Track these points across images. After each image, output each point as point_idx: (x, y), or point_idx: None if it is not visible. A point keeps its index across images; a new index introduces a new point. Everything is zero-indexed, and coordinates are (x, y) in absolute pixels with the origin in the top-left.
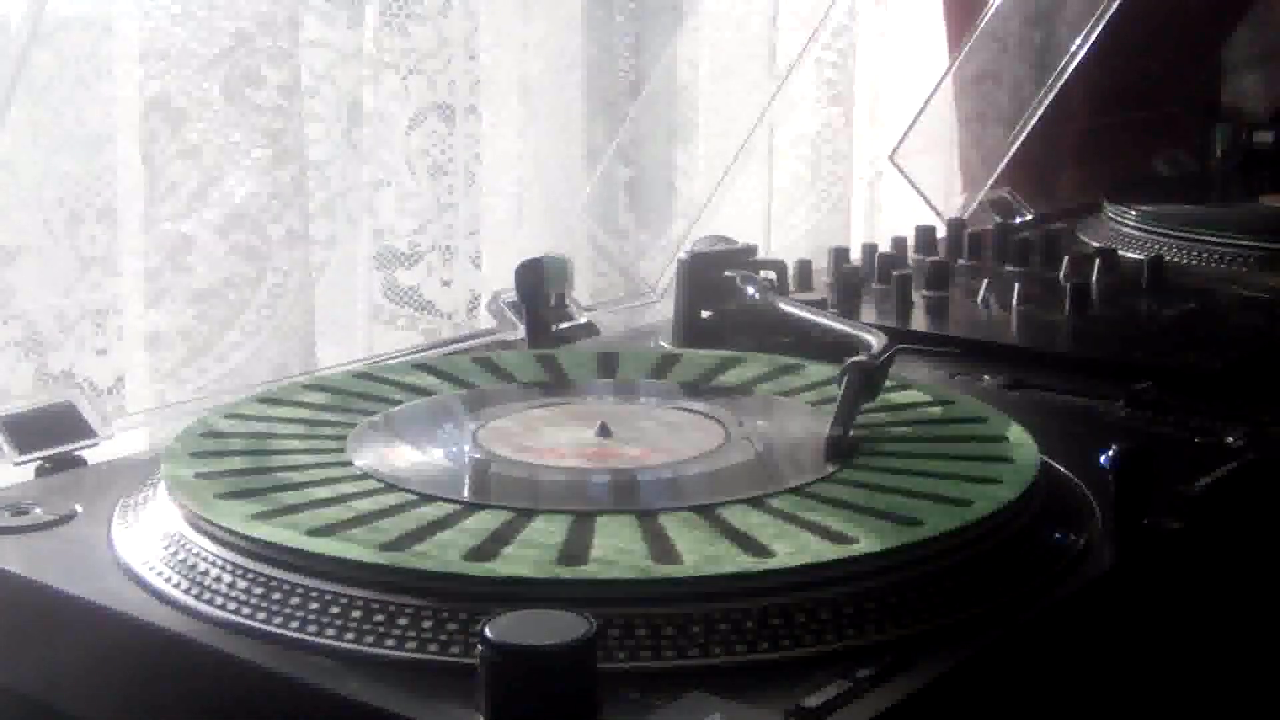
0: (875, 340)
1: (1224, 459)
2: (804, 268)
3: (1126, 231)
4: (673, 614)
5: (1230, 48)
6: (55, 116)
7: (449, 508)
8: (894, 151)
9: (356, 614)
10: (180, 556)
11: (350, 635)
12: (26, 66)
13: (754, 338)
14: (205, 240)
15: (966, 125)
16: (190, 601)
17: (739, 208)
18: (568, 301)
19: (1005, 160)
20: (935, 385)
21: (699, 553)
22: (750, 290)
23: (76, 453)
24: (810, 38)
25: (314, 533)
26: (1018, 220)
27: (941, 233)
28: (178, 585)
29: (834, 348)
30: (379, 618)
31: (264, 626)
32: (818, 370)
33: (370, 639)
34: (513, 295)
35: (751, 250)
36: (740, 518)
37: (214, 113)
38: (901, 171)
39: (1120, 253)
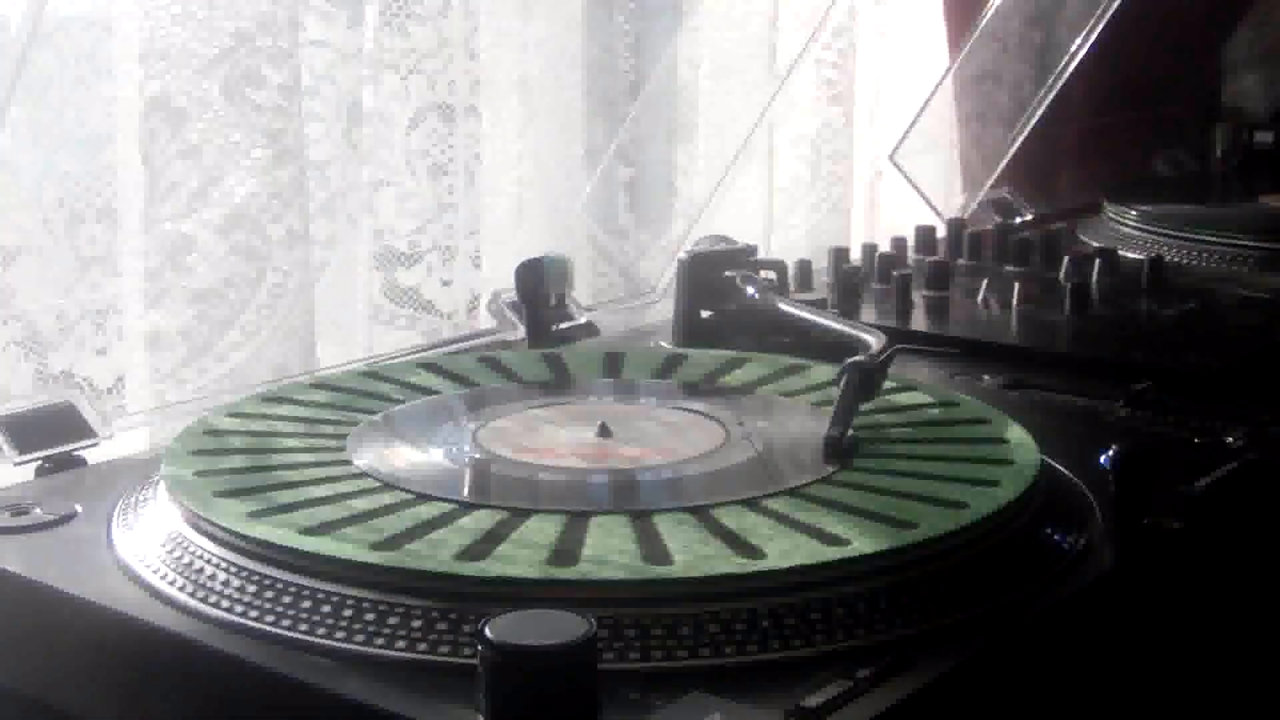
0: (875, 340)
1: (1224, 459)
2: (804, 268)
3: (1126, 231)
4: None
5: (1230, 48)
6: (55, 116)
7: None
8: (894, 151)
9: (356, 614)
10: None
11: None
12: (26, 66)
13: (754, 338)
14: (205, 240)
15: (966, 125)
16: (190, 601)
17: (739, 208)
18: (568, 301)
19: (1005, 160)
20: (935, 385)
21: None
22: (750, 290)
23: (76, 453)
24: (810, 38)
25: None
26: (1018, 220)
27: (941, 233)
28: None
29: (834, 348)
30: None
31: (264, 626)
32: (775, 360)
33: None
34: (513, 295)
35: (751, 250)
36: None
37: (214, 113)
38: (901, 171)
39: (1120, 253)
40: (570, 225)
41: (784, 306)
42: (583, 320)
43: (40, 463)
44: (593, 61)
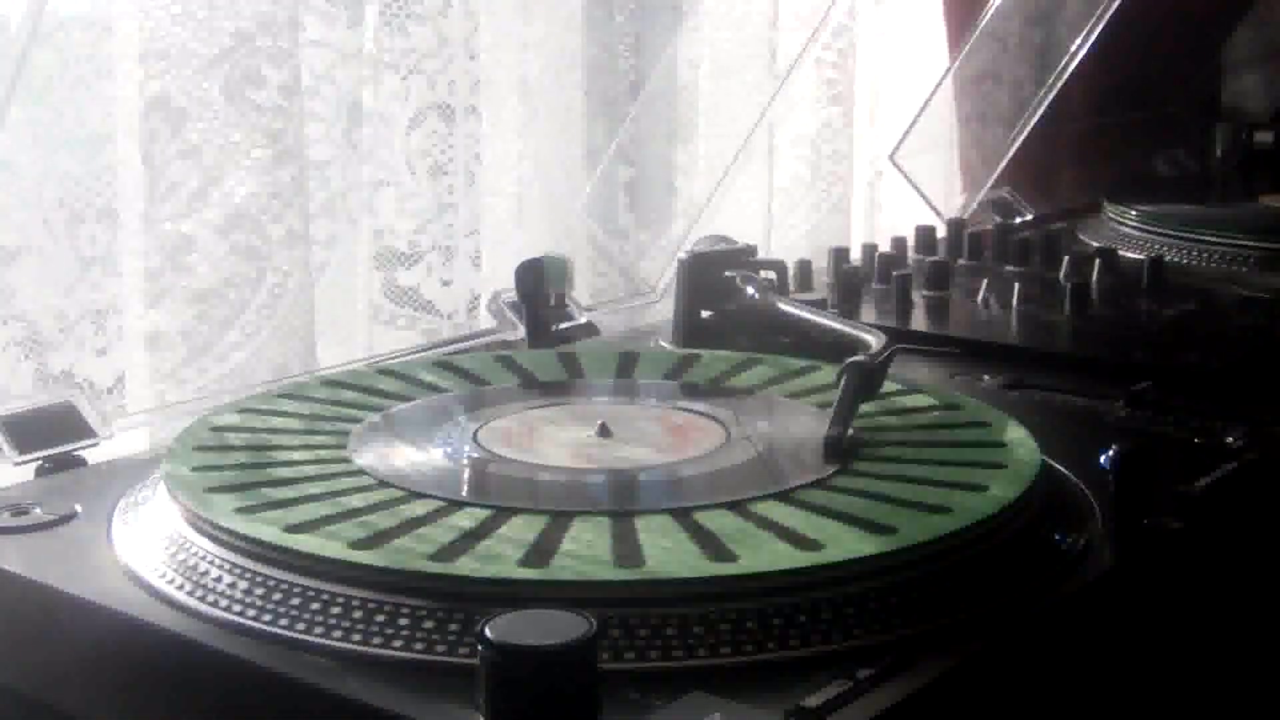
0: (875, 340)
1: (1224, 459)
2: (804, 268)
3: (1126, 231)
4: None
5: (1230, 48)
6: (55, 116)
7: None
8: (894, 151)
9: (356, 614)
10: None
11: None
12: (26, 66)
13: (754, 338)
14: (205, 240)
15: (966, 125)
16: (190, 601)
17: (739, 208)
18: (568, 301)
19: (1005, 160)
20: (935, 385)
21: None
22: (750, 290)
23: (76, 453)
24: (810, 38)
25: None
26: (1018, 220)
27: (941, 233)
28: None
29: (834, 347)
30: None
31: (264, 626)
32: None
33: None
34: (513, 295)
35: (751, 250)
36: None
37: (214, 113)
38: (901, 171)
39: (1120, 253)
40: (570, 225)
41: (784, 306)
42: (583, 320)
43: (40, 463)
44: (593, 61)
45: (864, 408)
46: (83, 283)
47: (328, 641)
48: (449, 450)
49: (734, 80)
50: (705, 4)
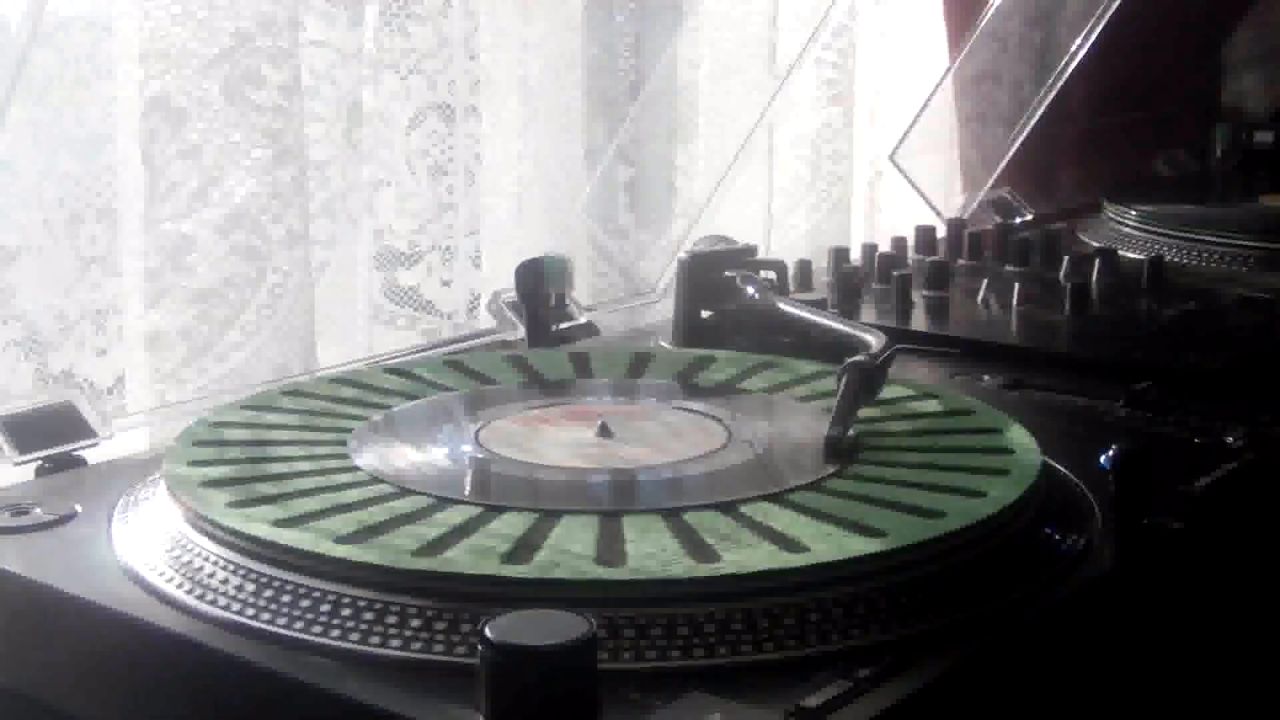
0: (875, 340)
1: (1224, 459)
2: (804, 268)
3: (1126, 231)
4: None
5: (1230, 48)
6: (55, 116)
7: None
8: (894, 151)
9: (356, 613)
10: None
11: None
12: (26, 66)
13: (754, 338)
14: (205, 240)
15: (966, 125)
16: (190, 601)
17: (739, 208)
18: (568, 301)
19: (1005, 160)
20: (935, 385)
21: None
22: (750, 290)
23: (76, 453)
24: (810, 38)
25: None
26: (1018, 220)
27: (941, 233)
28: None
29: (834, 347)
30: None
31: (264, 626)
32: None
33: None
34: (513, 295)
35: (751, 250)
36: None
37: (214, 113)
38: (901, 171)
39: (1120, 253)
40: (570, 225)
41: (784, 306)
42: (583, 320)
43: (40, 463)
44: (593, 61)
45: (864, 408)
46: (83, 283)
47: (328, 641)
48: (449, 450)
49: (734, 80)
50: (705, 4)
